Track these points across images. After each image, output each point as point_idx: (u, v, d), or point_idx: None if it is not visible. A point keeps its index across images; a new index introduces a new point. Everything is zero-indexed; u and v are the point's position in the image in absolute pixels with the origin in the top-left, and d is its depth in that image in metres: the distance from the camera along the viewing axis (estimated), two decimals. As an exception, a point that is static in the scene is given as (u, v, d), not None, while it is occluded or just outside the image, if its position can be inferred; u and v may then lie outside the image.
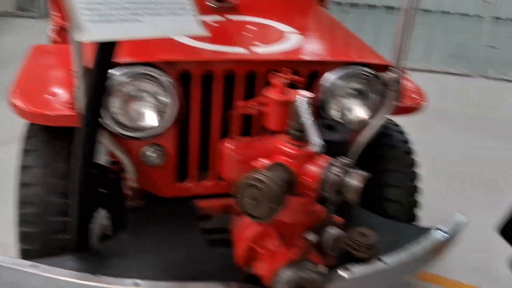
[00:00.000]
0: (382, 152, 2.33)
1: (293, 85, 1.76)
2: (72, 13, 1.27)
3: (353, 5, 7.53)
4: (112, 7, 1.29)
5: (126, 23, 1.31)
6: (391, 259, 1.83)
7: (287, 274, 1.59)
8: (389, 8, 7.27)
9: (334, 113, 2.03)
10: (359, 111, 2.06)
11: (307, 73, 1.98)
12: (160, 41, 1.90)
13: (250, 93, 1.93)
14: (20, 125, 2.09)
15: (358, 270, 1.77)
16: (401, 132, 2.47)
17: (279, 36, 2.19)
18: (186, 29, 1.46)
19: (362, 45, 2.31)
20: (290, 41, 2.15)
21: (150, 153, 1.93)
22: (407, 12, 1.94)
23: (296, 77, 1.78)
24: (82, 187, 1.67)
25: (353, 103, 2.05)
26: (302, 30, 2.30)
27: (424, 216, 2.33)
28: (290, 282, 1.58)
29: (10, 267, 1.61)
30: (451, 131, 4.65)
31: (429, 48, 6.68)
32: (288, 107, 1.66)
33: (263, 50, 2.00)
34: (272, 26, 2.32)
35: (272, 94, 1.71)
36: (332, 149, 1.75)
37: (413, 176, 2.33)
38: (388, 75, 2.02)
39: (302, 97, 1.62)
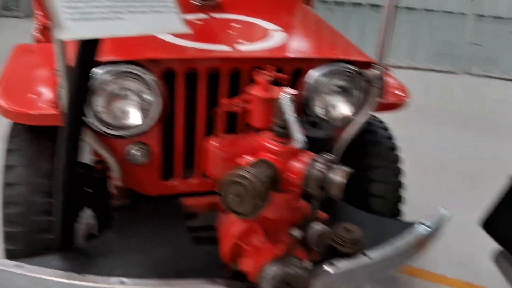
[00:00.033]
0: (366, 149, 2.35)
1: (277, 83, 1.77)
2: (53, 11, 1.26)
3: (339, 3, 7.54)
4: (93, 5, 1.29)
5: (108, 21, 1.31)
6: (375, 254, 1.85)
7: (272, 270, 1.60)
8: (374, 6, 7.31)
9: (318, 110, 2.04)
10: (343, 108, 2.08)
11: (291, 71, 2.00)
12: (144, 39, 1.91)
13: (234, 91, 1.94)
14: (3, 125, 2.08)
15: (343, 265, 1.80)
16: (386, 129, 2.50)
17: (263, 33, 2.20)
18: (168, 26, 1.46)
19: (346, 42, 2.33)
20: (274, 38, 2.16)
21: (135, 152, 1.93)
22: (389, 10, 1.96)
23: (280, 74, 1.79)
24: (66, 186, 1.67)
25: (337, 100, 2.07)
26: (286, 27, 2.31)
27: (408, 211, 2.36)
28: (276, 277, 1.59)
29: (-5, 267, 1.60)
30: (435, 128, 4.69)
31: (414, 46, 6.73)
32: (272, 104, 1.67)
33: (247, 47, 2.01)
34: (256, 24, 2.33)
35: (256, 91, 1.72)
36: (317, 145, 1.77)
37: (397, 171, 2.35)
38: (371, 72, 2.04)
39: (286, 94, 1.63)
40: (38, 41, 3.11)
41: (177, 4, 1.53)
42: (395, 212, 2.30)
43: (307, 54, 2.12)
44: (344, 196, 1.98)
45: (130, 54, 1.85)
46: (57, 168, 1.68)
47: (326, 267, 1.77)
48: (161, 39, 2.00)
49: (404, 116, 3.13)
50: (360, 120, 2.11)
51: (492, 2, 6.93)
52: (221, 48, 1.96)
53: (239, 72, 1.94)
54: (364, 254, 1.84)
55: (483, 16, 6.79)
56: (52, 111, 1.81)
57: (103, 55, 1.77)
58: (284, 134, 1.62)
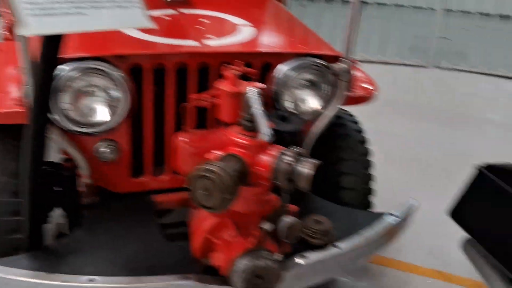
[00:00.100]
0: (336, 142, 2.37)
1: (247, 77, 1.78)
2: (14, 7, 1.25)
3: (311, -1, 7.63)
4: (55, 0, 1.28)
5: (70, 17, 1.30)
6: (345, 244, 1.88)
7: (242, 263, 1.61)
8: (346, 2, 7.38)
9: (288, 104, 2.06)
10: (312, 102, 2.11)
11: (260, 65, 2.00)
12: (111, 35, 1.90)
13: (204, 86, 1.94)
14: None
15: (313, 256, 1.82)
16: (355, 122, 2.53)
17: (232, 28, 2.21)
18: (132, 22, 1.45)
19: (314, 37, 2.35)
20: (242, 33, 2.17)
21: (104, 149, 1.91)
22: (355, 5, 1.99)
23: (249, 69, 1.80)
24: (32, 185, 1.64)
25: (305, 94, 2.09)
26: (255, 22, 2.32)
27: (379, 202, 2.39)
28: (246, 270, 1.60)
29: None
30: (404, 121, 4.77)
31: (385, 41, 6.82)
32: (240, 98, 1.68)
33: (215, 42, 2.01)
34: (225, 19, 2.33)
35: (224, 86, 1.73)
36: (286, 139, 1.79)
37: (367, 164, 2.38)
38: (338, 66, 2.07)
39: (253, 88, 1.64)
40: (6, 39, 3.06)
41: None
42: (365, 204, 2.34)
43: (275, 49, 2.14)
44: (315, 189, 2.01)
45: (96, 50, 1.83)
46: (23, 167, 1.66)
47: (297, 259, 1.78)
48: (129, 35, 1.98)
49: (374, 110, 3.18)
50: (329, 114, 2.13)
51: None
52: (189, 43, 1.96)
53: (208, 68, 1.94)
54: (334, 245, 1.87)
55: (451, 11, 6.92)
56: (17, 109, 1.78)
57: (70, 52, 1.76)
58: (252, 128, 1.63)
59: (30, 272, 1.63)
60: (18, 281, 1.60)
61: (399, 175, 3.64)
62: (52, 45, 1.45)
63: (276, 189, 1.74)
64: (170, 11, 2.34)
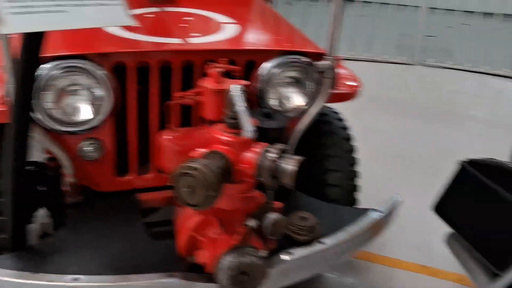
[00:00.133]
0: (321, 139, 2.39)
1: (231, 75, 1.78)
2: (-7, 5, 1.24)
3: (297, -3, 7.65)
4: (35, -3, 1.27)
5: (50, 14, 1.29)
6: (330, 240, 1.89)
7: (227, 260, 1.61)
8: (331, 0, 7.42)
9: (272, 101, 2.07)
10: (296, 99, 2.11)
11: (244, 63, 2.01)
12: (94, 33, 1.90)
13: (188, 85, 1.94)
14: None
15: (299, 252, 1.82)
16: (340, 119, 2.54)
17: (216, 26, 2.21)
18: (113, 19, 1.45)
19: (298, 35, 2.36)
20: (226, 31, 2.17)
21: (87, 148, 1.91)
22: (337, 2, 2.00)
23: (232, 67, 1.81)
24: (15, 185, 1.63)
25: (290, 91, 2.10)
26: (239, 20, 2.32)
27: (364, 199, 2.41)
28: (231, 267, 1.60)
29: None
30: (390, 117, 4.82)
31: (371, 39, 6.87)
32: (223, 96, 1.68)
33: (199, 40, 2.01)
34: (209, 17, 2.33)
35: (207, 83, 1.73)
36: (271, 136, 1.79)
37: (351, 161, 2.40)
38: (322, 63, 2.08)
39: (236, 85, 1.64)
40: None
41: (123, -3, 1.52)
42: (351, 200, 2.35)
43: (259, 46, 2.14)
44: (300, 186, 2.02)
45: (79, 48, 1.82)
46: (5, 167, 1.64)
47: (282, 256, 1.79)
48: (112, 34, 1.98)
49: (360, 107, 3.21)
50: (314, 111, 2.14)
51: (444, -5, 7.16)
52: (173, 41, 1.96)
53: (192, 66, 1.94)
54: (319, 241, 1.88)
55: (436, 8, 6.98)
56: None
57: (52, 50, 1.75)
58: (236, 125, 1.63)
59: (14, 272, 1.62)
60: (2, 281, 1.59)
61: (384, 171, 3.67)
62: (33, 43, 1.44)
63: (261, 186, 1.75)
64: (154, 9, 2.34)
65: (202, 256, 1.71)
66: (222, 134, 1.66)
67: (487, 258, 2.02)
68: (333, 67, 2.07)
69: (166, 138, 1.80)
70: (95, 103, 1.82)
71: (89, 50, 1.82)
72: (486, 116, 5.12)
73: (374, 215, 2.03)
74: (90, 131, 1.86)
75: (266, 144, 1.66)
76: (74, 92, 1.81)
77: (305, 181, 2.09)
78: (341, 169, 2.34)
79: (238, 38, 2.13)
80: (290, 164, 1.57)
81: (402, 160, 3.95)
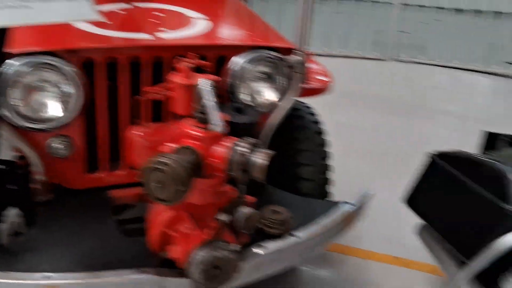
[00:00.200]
0: (294, 133, 2.40)
1: (202, 70, 1.78)
2: (-46, -1, 1.21)
3: (273, -6, 7.65)
4: (-3, -8, 1.25)
5: (14, 10, 1.27)
6: (302, 233, 1.91)
7: (199, 255, 1.61)
8: (306, -3, 7.47)
9: (243, 96, 2.07)
10: (268, 94, 2.12)
11: (215, 58, 2.01)
12: (62, 29, 1.87)
13: (159, 81, 1.93)
14: None
15: (271, 246, 1.83)
16: (312, 114, 2.56)
17: (186, 22, 2.20)
18: (79, 14, 1.43)
19: (269, 30, 2.37)
20: (197, 26, 2.16)
21: (57, 145, 1.88)
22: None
23: (202, 61, 1.80)
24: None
25: (261, 86, 2.11)
26: (210, 16, 2.32)
27: (337, 192, 2.44)
28: (203, 262, 1.60)
29: None
30: (363, 112, 4.87)
31: (347, 35, 6.93)
32: (193, 90, 1.68)
33: (169, 35, 2.00)
34: (179, 12, 2.32)
35: (177, 78, 1.73)
36: (243, 131, 1.79)
37: (324, 155, 2.42)
38: (293, 58, 2.09)
39: (204, 79, 1.64)
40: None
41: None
42: (323, 194, 2.37)
43: (228, 41, 2.14)
44: (273, 180, 2.04)
45: (47, 44, 1.80)
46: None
47: (255, 249, 1.80)
48: (81, 29, 1.96)
49: (334, 101, 3.24)
50: (285, 105, 2.15)
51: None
52: (142, 37, 1.95)
53: (162, 61, 1.93)
54: (292, 234, 1.89)
55: (408, 5, 7.08)
56: (-35, 106, 1.74)
57: (19, 46, 1.72)
58: (205, 120, 1.63)
59: (-17, 271, 1.60)
60: (-30, 281, 1.57)
61: (357, 165, 3.71)
62: (-4, 38, 1.42)
63: (233, 181, 1.75)
64: (125, 5, 2.32)
65: (174, 251, 1.71)
66: (192, 129, 1.66)
67: (457, 248, 2.06)
68: (303, 62, 2.08)
69: (136, 133, 1.79)
70: (64, 99, 1.80)
71: (57, 46, 1.80)
72: (458, 110, 5.21)
73: (346, 208, 2.06)
74: (59, 128, 1.84)
75: (236, 138, 1.66)
76: (42, 89, 1.79)
77: (278, 175, 2.10)
78: (313, 163, 2.36)
79: (208, 33, 2.13)
80: (260, 158, 1.58)
81: (375, 154, 3.99)
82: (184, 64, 1.72)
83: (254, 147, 1.61)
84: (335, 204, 2.09)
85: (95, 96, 1.90)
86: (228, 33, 2.31)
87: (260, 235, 1.87)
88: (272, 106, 2.14)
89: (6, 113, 1.73)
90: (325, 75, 2.39)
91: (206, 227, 1.71)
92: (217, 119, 1.57)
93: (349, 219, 2.06)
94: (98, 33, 1.95)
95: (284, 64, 2.09)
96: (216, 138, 1.64)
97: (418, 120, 4.80)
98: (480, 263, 1.84)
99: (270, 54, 2.07)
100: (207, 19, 2.26)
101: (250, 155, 1.58)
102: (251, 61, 2.04)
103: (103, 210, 1.97)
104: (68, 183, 2.00)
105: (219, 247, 1.64)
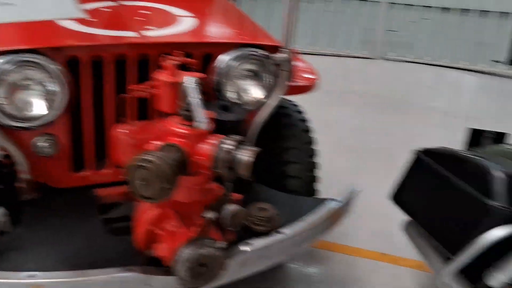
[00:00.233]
0: (281, 131, 2.41)
1: (188, 68, 1.78)
2: None
3: (261, -8, 7.66)
4: (-22, -11, 1.24)
5: (-5, 6, 1.27)
6: (289, 230, 1.91)
7: (185, 252, 1.61)
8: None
9: (230, 94, 2.08)
10: (254, 92, 2.13)
11: (201, 56, 2.01)
12: (47, 27, 1.86)
13: (144, 79, 1.92)
14: None
15: (258, 243, 1.84)
16: (299, 111, 2.57)
17: (172, 19, 2.20)
18: (62, 12, 1.43)
19: (255, 28, 2.37)
20: (183, 24, 2.16)
21: (42, 144, 1.87)
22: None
23: (188, 59, 1.80)
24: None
25: (247, 83, 2.11)
26: (197, 13, 2.32)
27: (324, 190, 2.45)
28: (190, 259, 1.60)
29: None
30: (351, 109, 4.90)
31: (335, 34, 6.95)
32: (178, 88, 1.68)
33: (154, 33, 2.00)
34: (165, 10, 2.32)
35: (162, 76, 1.73)
36: (229, 129, 1.80)
37: (311, 152, 2.43)
38: (279, 56, 2.09)
39: (190, 77, 1.64)
40: None
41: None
42: (310, 191, 2.38)
43: (214, 39, 2.15)
44: (261, 178, 2.04)
45: (31, 42, 1.79)
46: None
47: (242, 246, 1.81)
48: (66, 27, 1.94)
49: (322, 100, 3.25)
50: (272, 103, 2.16)
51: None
52: (128, 34, 1.94)
53: (148, 59, 1.93)
54: (278, 231, 1.90)
55: (395, 3, 7.13)
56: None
57: (3, 44, 1.71)
58: (191, 117, 1.64)
59: (-33, 271, 1.58)
60: (-46, 281, 1.56)
61: (345, 162, 3.73)
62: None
63: (219, 179, 1.75)
64: (110, 3, 2.31)
65: (160, 249, 1.71)
66: (177, 127, 1.66)
67: (443, 244, 2.08)
68: (289, 60, 2.09)
69: (122, 131, 1.79)
70: (48, 98, 1.79)
71: (42, 44, 1.79)
72: (444, 107, 5.25)
73: (332, 205, 2.07)
74: (44, 127, 1.83)
75: (222, 136, 1.67)
76: (26, 87, 1.78)
77: (265, 173, 2.11)
78: (300, 161, 2.37)
79: (194, 31, 2.13)
80: (246, 155, 1.58)
81: (363, 151, 4.01)
82: (170, 62, 1.72)
83: (239, 144, 1.61)
84: (322, 201, 2.10)
85: (80, 94, 1.89)
86: (214, 31, 2.31)
87: (247, 233, 1.87)
88: (259, 104, 2.14)
89: (-10, 111, 1.72)
90: (312, 73, 2.40)
91: (192, 224, 1.71)
92: (202, 117, 1.57)
93: (336, 216, 2.07)
94: (83, 30, 1.94)
95: (270, 62, 2.09)
96: (201, 136, 1.64)
97: (405, 117, 4.83)
98: (465, 258, 1.85)
99: (256, 52, 2.07)
100: (193, 17, 2.26)
101: (236, 153, 1.59)
102: (237, 58, 2.04)
103: (89, 208, 1.96)
104: (54, 182, 1.98)
105: (205, 245, 1.64)
